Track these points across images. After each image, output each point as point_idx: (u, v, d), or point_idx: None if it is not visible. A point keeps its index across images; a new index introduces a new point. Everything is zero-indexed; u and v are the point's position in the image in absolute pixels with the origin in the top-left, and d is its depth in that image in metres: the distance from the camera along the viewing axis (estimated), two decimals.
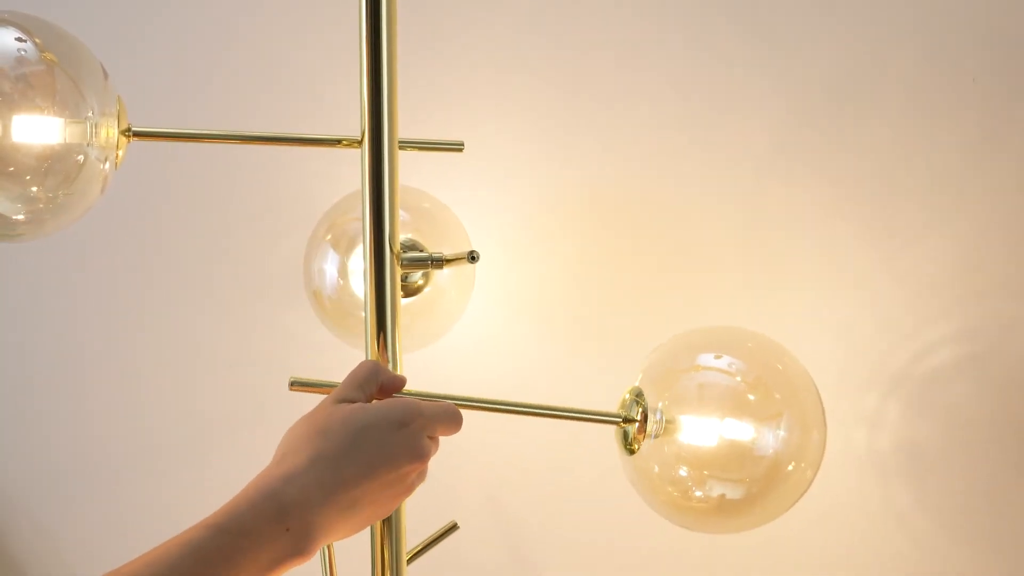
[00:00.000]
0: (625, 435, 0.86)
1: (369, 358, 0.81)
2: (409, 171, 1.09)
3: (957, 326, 1.20)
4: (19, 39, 0.80)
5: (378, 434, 0.70)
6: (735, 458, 0.83)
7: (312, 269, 1.09)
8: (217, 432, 1.39)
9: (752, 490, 0.83)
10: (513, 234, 1.27)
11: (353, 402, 0.73)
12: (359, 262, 1.06)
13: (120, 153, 0.85)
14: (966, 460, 1.20)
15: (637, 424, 0.84)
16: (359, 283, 1.06)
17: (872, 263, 1.21)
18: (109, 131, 0.83)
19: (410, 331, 1.08)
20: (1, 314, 1.43)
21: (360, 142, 0.78)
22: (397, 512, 0.80)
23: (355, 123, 0.82)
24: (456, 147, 0.90)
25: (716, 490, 0.84)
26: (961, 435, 1.20)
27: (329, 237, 1.08)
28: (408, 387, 0.79)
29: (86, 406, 1.42)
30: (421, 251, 1.03)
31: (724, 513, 0.84)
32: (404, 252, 0.81)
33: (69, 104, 0.80)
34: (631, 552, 1.31)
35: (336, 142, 0.83)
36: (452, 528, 0.85)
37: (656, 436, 0.83)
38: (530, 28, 1.25)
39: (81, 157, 0.81)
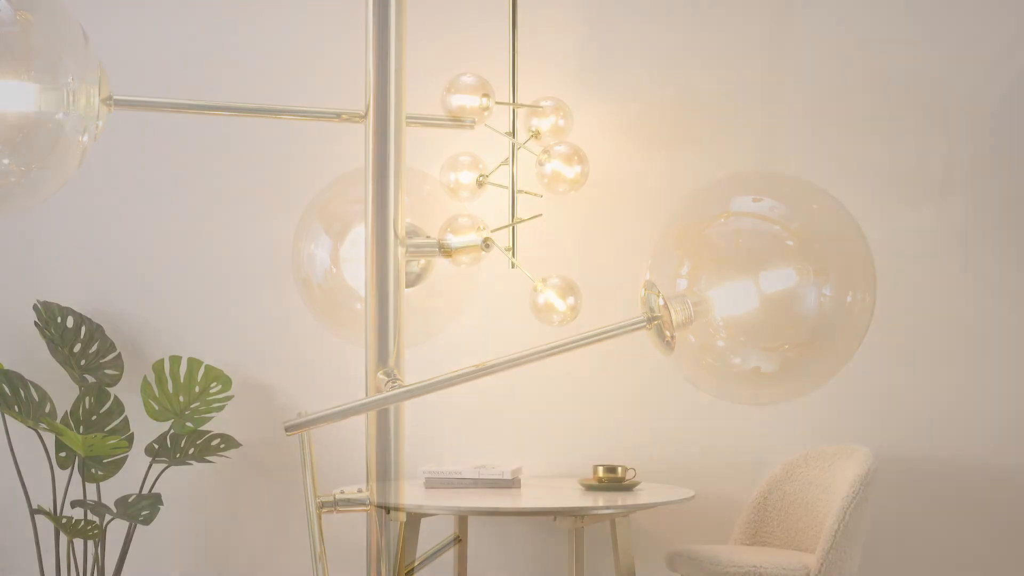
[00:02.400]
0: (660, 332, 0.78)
1: (368, 352, 0.76)
2: (410, 152, 1.03)
3: None
4: None
5: None
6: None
7: (301, 255, 1.05)
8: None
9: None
10: (525, 224, 1.19)
11: None
12: (352, 249, 1.01)
13: (100, 124, 0.80)
14: None
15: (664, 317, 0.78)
16: (351, 271, 1.02)
17: None
18: (89, 99, 0.78)
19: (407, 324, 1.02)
20: None
21: (364, 116, 0.73)
22: (394, 523, 0.74)
23: (349, 101, 0.76)
24: (468, 123, 0.85)
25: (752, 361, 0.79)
26: None
27: (321, 221, 1.03)
28: (408, 381, 0.74)
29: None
30: (425, 237, 0.97)
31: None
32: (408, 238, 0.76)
33: (46, 69, 0.76)
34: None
35: (336, 116, 0.77)
36: (454, 540, 0.79)
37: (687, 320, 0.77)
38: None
39: (57, 127, 0.76)
